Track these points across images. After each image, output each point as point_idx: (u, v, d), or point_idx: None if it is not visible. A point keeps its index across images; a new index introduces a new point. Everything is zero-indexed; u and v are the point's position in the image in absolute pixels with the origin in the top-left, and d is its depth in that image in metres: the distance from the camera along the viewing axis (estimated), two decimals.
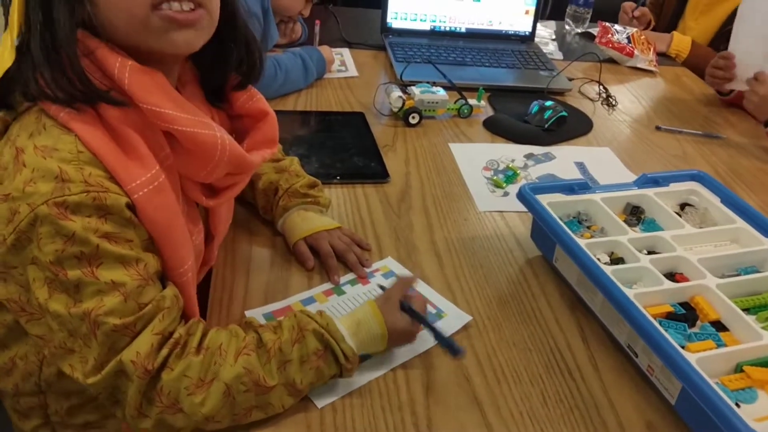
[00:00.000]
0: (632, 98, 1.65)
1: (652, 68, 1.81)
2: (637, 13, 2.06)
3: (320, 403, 0.73)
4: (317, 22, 1.63)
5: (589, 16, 2.01)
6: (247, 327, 0.72)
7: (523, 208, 1.00)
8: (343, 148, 1.22)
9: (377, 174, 1.16)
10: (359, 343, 0.73)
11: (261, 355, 0.68)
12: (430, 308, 0.87)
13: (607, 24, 1.87)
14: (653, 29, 2.11)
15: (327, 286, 0.89)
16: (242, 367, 0.66)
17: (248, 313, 0.83)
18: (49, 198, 0.60)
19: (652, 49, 1.83)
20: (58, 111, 0.63)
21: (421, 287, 0.91)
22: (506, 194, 1.17)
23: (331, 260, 0.91)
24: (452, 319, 0.86)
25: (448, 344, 0.78)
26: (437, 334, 0.78)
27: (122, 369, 0.63)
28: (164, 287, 0.68)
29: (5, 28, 0.65)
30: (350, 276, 0.92)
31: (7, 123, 0.68)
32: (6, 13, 0.67)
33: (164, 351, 0.64)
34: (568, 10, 2.03)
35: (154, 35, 0.65)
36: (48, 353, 0.66)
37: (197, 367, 0.65)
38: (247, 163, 0.75)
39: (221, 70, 0.77)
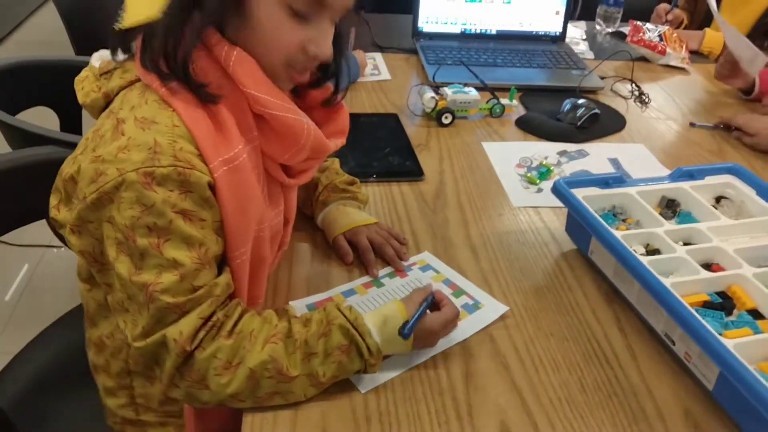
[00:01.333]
0: (665, 95, 1.64)
1: (685, 66, 1.81)
2: (670, 17, 2.05)
3: (363, 388, 0.75)
4: (351, 29, 1.66)
5: (619, 15, 2.01)
6: (281, 314, 0.75)
7: (557, 204, 1.01)
8: (379, 148, 1.25)
9: (412, 172, 1.19)
10: (384, 340, 0.74)
11: (288, 345, 0.71)
12: (467, 300, 0.89)
13: (639, 23, 1.86)
14: (686, 27, 2.10)
15: (367, 278, 0.92)
16: (268, 355, 0.69)
17: (292, 303, 0.86)
18: (140, 167, 0.64)
19: (684, 47, 1.82)
20: (159, 87, 0.67)
21: (458, 280, 0.93)
22: (540, 190, 1.18)
23: (369, 254, 0.94)
24: (489, 309, 0.88)
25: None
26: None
27: (164, 342, 0.67)
28: (220, 272, 0.71)
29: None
30: (388, 269, 0.94)
31: (108, 98, 0.73)
32: None
33: (201, 333, 0.68)
34: (598, 10, 2.03)
35: (275, 78, 0.72)
36: (111, 301, 0.71)
37: (227, 350, 0.68)
38: (325, 148, 0.80)
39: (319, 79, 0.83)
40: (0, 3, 3.76)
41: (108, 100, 0.74)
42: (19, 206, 1.09)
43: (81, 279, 0.83)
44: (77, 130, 1.51)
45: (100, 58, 0.77)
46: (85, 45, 1.83)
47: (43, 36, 3.83)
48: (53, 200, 0.75)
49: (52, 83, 1.46)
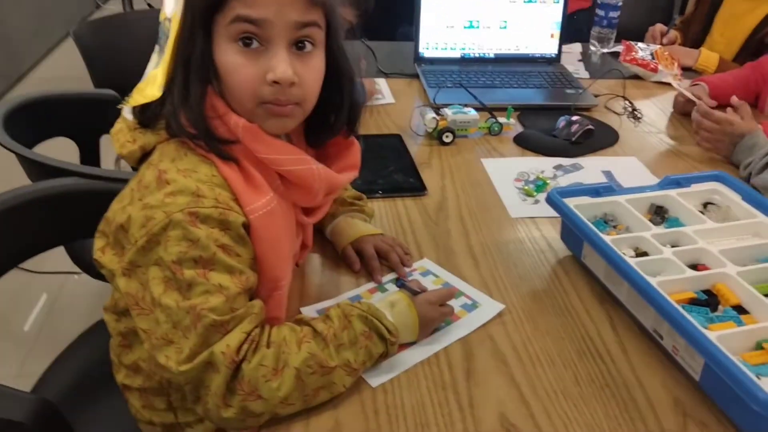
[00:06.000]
0: (658, 111, 1.71)
1: (677, 82, 1.87)
2: (665, 41, 2.11)
3: (374, 382, 0.81)
4: (360, 58, 1.75)
5: (613, 36, 2.08)
6: (299, 322, 0.81)
7: (553, 214, 1.07)
8: (384, 167, 1.32)
9: (415, 188, 1.26)
10: (396, 321, 0.83)
11: (318, 342, 0.77)
12: (465, 300, 0.96)
13: (631, 42, 1.94)
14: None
15: (372, 284, 0.99)
16: (307, 352, 0.75)
17: (303, 310, 0.93)
18: (185, 207, 0.72)
19: (676, 64, 1.89)
20: (197, 144, 0.77)
21: (457, 282, 1.00)
22: (537, 202, 1.25)
23: (374, 262, 1.00)
24: (487, 308, 0.95)
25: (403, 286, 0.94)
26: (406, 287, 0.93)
27: (211, 360, 0.71)
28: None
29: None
30: (392, 276, 1.01)
31: (145, 150, 0.80)
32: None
33: (245, 346, 0.73)
34: (592, 31, 2.11)
35: (257, 119, 0.79)
36: (149, 346, 0.75)
37: (270, 357, 0.73)
38: (338, 184, 0.89)
39: (326, 132, 0.90)
40: (18, 41, 3.91)
41: (144, 152, 0.81)
42: (41, 235, 1.15)
43: (113, 312, 0.89)
44: (95, 159, 1.59)
45: (132, 110, 0.84)
46: (104, 79, 1.93)
47: (62, 72, 3.96)
48: (99, 243, 0.83)
49: (72, 115, 1.55)
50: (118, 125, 0.85)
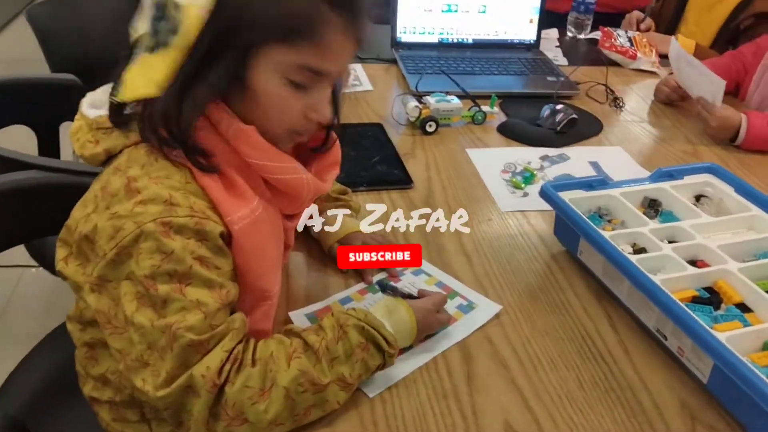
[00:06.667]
0: (638, 99, 1.69)
1: (656, 69, 1.86)
2: (643, 27, 2.09)
3: (371, 392, 0.76)
4: None
5: (590, 22, 2.06)
6: (289, 334, 0.75)
7: (544, 207, 1.04)
8: (366, 158, 1.27)
9: (401, 180, 1.20)
10: (395, 330, 0.77)
11: (310, 356, 0.71)
12: (461, 301, 0.92)
13: (609, 29, 1.91)
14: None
15: (362, 285, 0.94)
16: (297, 370, 0.69)
17: (291, 315, 0.87)
18: (157, 217, 0.65)
19: (654, 51, 1.88)
20: (170, 150, 0.69)
21: (450, 282, 0.95)
22: (526, 195, 1.21)
23: None
24: (484, 309, 0.90)
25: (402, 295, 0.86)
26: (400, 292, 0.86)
27: (191, 384, 0.65)
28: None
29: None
30: (382, 275, 0.96)
31: (110, 154, 0.73)
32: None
33: (227, 366, 0.67)
34: (569, 17, 2.08)
35: (278, 140, 0.75)
36: (123, 367, 0.69)
37: (256, 376, 0.68)
38: (324, 191, 0.84)
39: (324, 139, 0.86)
40: None
41: (109, 155, 0.74)
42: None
43: (77, 321, 0.81)
44: (55, 147, 1.50)
45: (91, 104, 0.76)
46: (60, 62, 1.81)
47: (14, 54, 3.76)
48: (61, 253, 0.76)
49: (29, 102, 1.45)
50: (77, 123, 0.76)
